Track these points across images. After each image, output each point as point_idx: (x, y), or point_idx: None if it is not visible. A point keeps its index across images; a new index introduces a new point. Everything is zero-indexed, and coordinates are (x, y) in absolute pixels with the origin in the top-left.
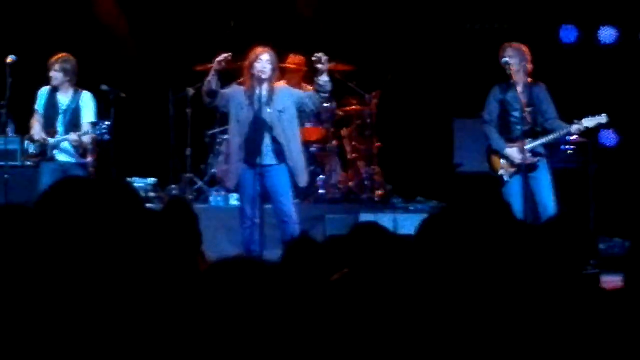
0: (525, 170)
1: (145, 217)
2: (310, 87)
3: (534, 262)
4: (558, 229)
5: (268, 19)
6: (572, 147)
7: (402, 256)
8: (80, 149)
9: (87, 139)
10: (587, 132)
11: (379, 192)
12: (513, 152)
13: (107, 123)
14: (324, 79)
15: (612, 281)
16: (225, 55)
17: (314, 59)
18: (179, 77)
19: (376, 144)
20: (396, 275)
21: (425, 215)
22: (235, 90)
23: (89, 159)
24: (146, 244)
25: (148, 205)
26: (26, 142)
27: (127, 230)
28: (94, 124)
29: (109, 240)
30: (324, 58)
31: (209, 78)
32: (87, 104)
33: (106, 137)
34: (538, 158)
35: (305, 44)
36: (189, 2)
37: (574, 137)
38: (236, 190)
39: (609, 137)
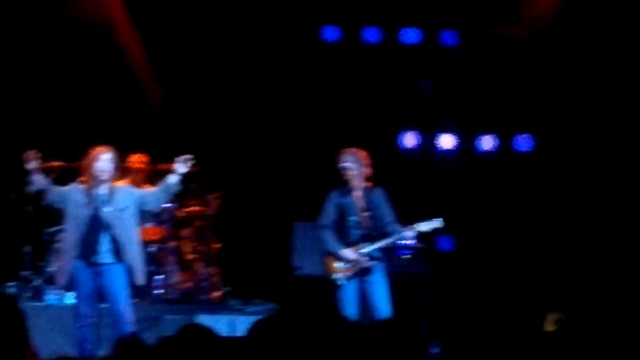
0: (360, 273)
1: None
2: (151, 187)
3: None
4: (388, 332)
5: (114, 118)
6: (409, 251)
7: (229, 358)
8: None
9: None
10: (424, 237)
11: (217, 293)
12: (348, 255)
13: None
14: (175, 179)
15: None
16: (30, 152)
17: (179, 159)
18: (19, 174)
19: (215, 245)
20: None
21: (261, 317)
22: (74, 189)
23: None
24: None
25: None
26: None
27: None
28: None
29: None
30: (189, 162)
31: (30, 178)
32: None
33: None
34: (374, 262)
35: (148, 143)
36: (33, 99)
37: (412, 241)
38: (69, 288)
39: (446, 242)
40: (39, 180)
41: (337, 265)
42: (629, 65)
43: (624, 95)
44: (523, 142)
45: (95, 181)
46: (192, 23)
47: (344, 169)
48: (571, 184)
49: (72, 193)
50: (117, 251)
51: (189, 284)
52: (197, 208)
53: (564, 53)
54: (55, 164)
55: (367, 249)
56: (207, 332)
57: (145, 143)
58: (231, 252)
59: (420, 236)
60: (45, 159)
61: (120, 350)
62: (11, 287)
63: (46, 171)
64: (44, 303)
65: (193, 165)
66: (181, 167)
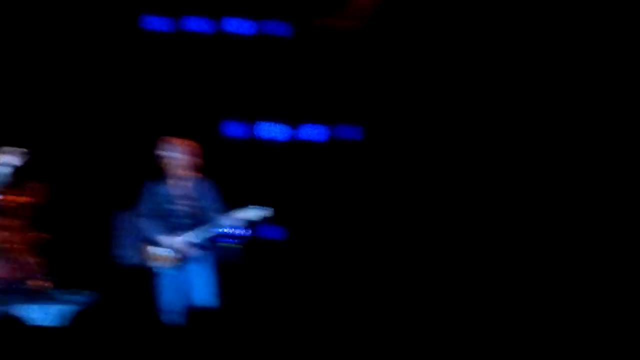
0: (182, 262)
1: None
2: None
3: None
4: (209, 321)
5: None
6: (233, 240)
7: (44, 347)
8: None
9: None
10: (251, 226)
11: (41, 283)
12: (169, 243)
13: None
14: (4, 171)
15: None
16: None
17: (12, 151)
18: None
19: (41, 236)
20: None
21: (83, 307)
22: None
23: None
24: None
25: None
26: None
27: None
28: None
29: None
30: (24, 155)
31: None
32: None
33: None
34: (196, 250)
35: None
36: None
37: (237, 230)
38: None
39: (274, 231)
40: None
41: (157, 253)
42: (457, 56)
43: (452, 86)
44: (351, 132)
45: None
46: (12, 11)
47: (164, 157)
48: (399, 174)
49: None
50: None
51: (14, 275)
52: (23, 198)
53: (391, 44)
54: None
55: (190, 237)
56: (26, 323)
57: None
58: (57, 243)
59: (247, 225)
60: None
61: None
62: None
63: None
64: None
65: (26, 158)
66: (13, 159)
